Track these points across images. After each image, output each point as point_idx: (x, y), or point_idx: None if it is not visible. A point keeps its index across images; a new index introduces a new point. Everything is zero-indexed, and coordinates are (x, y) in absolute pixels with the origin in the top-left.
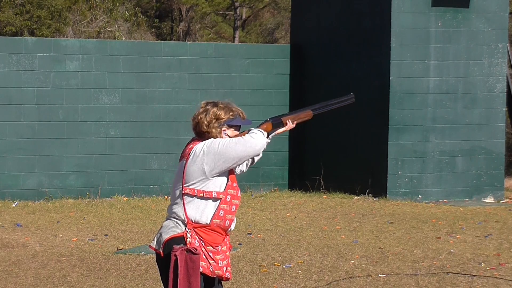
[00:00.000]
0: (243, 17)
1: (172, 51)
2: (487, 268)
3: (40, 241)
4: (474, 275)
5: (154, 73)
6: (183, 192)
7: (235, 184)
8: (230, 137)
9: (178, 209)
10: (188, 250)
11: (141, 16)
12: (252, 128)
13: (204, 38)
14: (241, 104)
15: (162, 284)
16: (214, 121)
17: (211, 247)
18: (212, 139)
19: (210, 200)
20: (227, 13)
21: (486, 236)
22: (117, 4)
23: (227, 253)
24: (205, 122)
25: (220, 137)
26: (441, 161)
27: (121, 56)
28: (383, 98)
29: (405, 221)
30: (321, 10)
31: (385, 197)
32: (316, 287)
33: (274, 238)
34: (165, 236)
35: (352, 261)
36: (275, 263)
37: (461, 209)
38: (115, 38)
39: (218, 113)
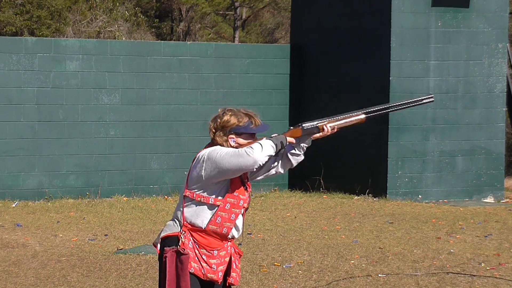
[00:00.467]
0: (243, 17)
1: (172, 51)
2: (487, 268)
3: (40, 241)
4: (474, 275)
5: (154, 73)
6: (184, 194)
7: (236, 193)
8: (240, 145)
9: (178, 211)
10: (178, 251)
11: (141, 16)
12: (265, 138)
13: (204, 38)
14: (241, 104)
15: None
16: (220, 128)
17: (204, 250)
18: (216, 146)
19: (207, 206)
20: (227, 13)
21: (486, 236)
22: (117, 4)
23: (226, 259)
24: (213, 130)
25: (227, 145)
26: (441, 161)
27: (121, 56)
28: (383, 98)
29: (405, 221)
30: (321, 10)
31: (385, 197)
32: (316, 287)
33: (274, 238)
34: (162, 234)
35: (352, 261)
36: (275, 263)
37: (461, 209)
38: (115, 38)
39: (226, 119)
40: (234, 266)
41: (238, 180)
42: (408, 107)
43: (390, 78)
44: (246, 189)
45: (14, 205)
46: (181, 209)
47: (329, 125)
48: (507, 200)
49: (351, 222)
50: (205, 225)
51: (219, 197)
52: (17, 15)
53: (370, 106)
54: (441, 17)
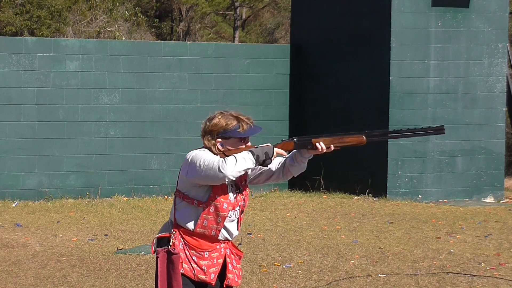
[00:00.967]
0: (243, 17)
1: (172, 51)
2: (487, 268)
3: (40, 241)
4: (474, 275)
5: (154, 73)
6: (174, 194)
7: (217, 197)
8: (229, 149)
9: (171, 211)
10: (169, 252)
11: (141, 16)
12: (254, 147)
13: (204, 38)
14: (241, 104)
15: None
16: (208, 132)
17: (195, 251)
18: (201, 150)
19: (193, 207)
20: (227, 13)
21: (486, 236)
22: (117, 4)
23: (219, 260)
24: (202, 132)
25: (215, 149)
26: (441, 161)
27: (121, 56)
28: (383, 98)
29: (405, 221)
30: (321, 10)
31: (385, 197)
32: (316, 287)
33: (274, 238)
34: (156, 235)
35: (352, 261)
36: (275, 263)
37: (461, 209)
38: (115, 38)
39: (214, 123)
40: (230, 267)
41: (223, 184)
42: (414, 135)
43: (390, 78)
44: (240, 192)
45: (14, 205)
46: (173, 210)
47: (323, 144)
48: (507, 200)
49: (351, 222)
50: (193, 228)
51: (202, 200)
52: (17, 15)
53: (373, 130)
54: (441, 17)
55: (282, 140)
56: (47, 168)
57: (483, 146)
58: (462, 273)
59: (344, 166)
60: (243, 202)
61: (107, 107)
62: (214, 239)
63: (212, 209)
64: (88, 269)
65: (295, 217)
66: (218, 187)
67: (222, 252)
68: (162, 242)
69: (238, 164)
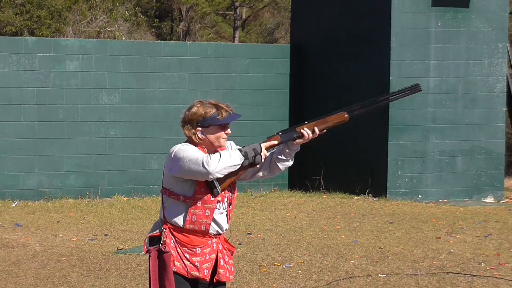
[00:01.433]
0: (243, 17)
1: (172, 51)
2: (487, 268)
3: (40, 241)
4: (474, 275)
5: (154, 73)
6: (161, 191)
7: (203, 190)
8: (209, 139)
9: (160, 209)
10: (160, 250)
11: (141, 16)
12: (241, 147)
13: (204, 38)
14: (241, 104)
15: None
16: (188, 121)
17: (186, 248)
18: (184, 145)
19: (180, 203)
20: (227, 13)
21: (486, 236)
22: (117, 4)
23: (212, 256)
24: (181, 122)
25: (196, 138)
26: (441, 161)
27: (121, 56)
28: None
29: (405, 221)
30: (321, 10)
31: (385, 197)
32: (316, 287)
33: (274, 238)
34: (148, 234)
35: (352, 261)
36: (275, 263)
37: (461, 209)
38: (115, 38)
39: (193, 111)
40: (222, 262)
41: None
42: (393, 99)
43: (390, 78)
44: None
45: (14, 205)
46: (162, 208)
47: (308, 129)
48: (507, 200)
49: (351, 222)
50: (182, 224)
51: (188, 195)
52: (17, 15)
53: (352, 105)
54: (441, 17)
55: (267, 137)
56: (47, 168)
57: (483, 146)
58: (462, 273)
59: (344, 166)
60: (230, 194)
61: (107, 107)
62: (205, 234)
63: (199, 203)
64: (88, 269)
65: (295, 217)
66: (201, 182)
67: (214, 248)
68: (154, 241)
69: (222, 160)
